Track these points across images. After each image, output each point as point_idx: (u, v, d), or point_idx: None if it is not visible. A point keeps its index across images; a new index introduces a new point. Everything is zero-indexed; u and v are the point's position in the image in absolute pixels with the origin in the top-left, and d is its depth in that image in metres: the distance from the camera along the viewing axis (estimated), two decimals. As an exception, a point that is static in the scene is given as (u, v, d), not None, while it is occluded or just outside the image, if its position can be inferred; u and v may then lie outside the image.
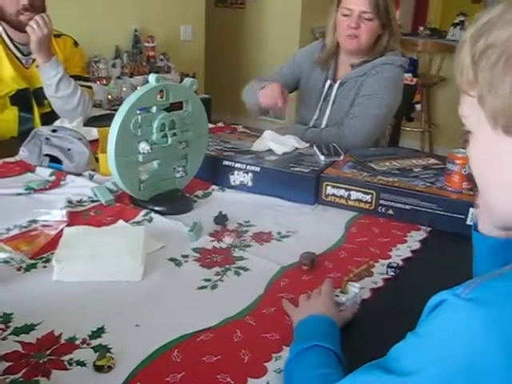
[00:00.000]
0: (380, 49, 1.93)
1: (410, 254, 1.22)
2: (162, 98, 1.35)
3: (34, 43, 1.94)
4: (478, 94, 0.64)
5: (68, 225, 1.26)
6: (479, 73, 0.63)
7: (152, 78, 1.32)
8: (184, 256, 1.17)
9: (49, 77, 2.01)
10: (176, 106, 1.39)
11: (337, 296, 1.01)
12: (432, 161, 1.58)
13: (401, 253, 1.23)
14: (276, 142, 1.63)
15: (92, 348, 0.86)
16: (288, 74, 2.10)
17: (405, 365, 0.58)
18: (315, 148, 1.64)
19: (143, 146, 1.32)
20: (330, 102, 2.00)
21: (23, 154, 1.66)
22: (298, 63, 2.11)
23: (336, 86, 1.98)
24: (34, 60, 2.06)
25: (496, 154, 0.65)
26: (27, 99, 2.07)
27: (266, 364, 0.85)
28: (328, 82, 2.00)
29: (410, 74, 4.56)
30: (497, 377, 0.52)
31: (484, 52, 0.62)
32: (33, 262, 1.11)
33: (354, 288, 1.04)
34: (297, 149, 1.64)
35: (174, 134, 1.37)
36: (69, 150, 1.62)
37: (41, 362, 0.83)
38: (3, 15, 1.97)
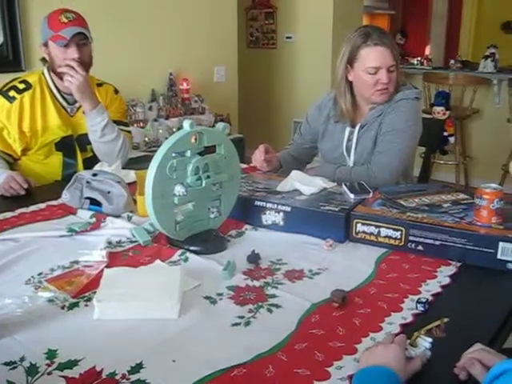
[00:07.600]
0: (396, 87, 1.99)
1: (439, 289, 1.23)
2: (195, 141, 1.41)
3: (74, 93, 2.06)
4: None
5: (108, 265, 1.33)
6: None
7: (186, 123, 1.39)
8: (219, 294, 1.22)
9: (94, 123, 2.11)
10: (209, 150, 1.46)
11: (405, 349, 0.95)
12: (461, 196, 1.60)
13: (430, 288, 1.24)
14: (303, 183, 1.67)
15: (131, 383, 0.91)
16: (306, 135, 2.24)
17: None
18: (344, 187, 1.67)
19: (178, 189, 1.38)
20: (353, 146, 2.05)
21: (65, 197, 1.75)
22: (311, 122, 2.21)
23: (356, 129, 2.03)
24: (78, 108, 2.18)
25: None
26: (71, 145, 2.19)
27: (297, 398, 0.88)
28: (348, 129, 2.05)
29: (442, 108, 4.59)
30: None
31: None
32: (75, 300, 1.17)
33: (424, 342, 1.00)
34: (325, 188, 1.68)
35: (208, 177, 1.43)
36: (108, 192, 1.70)
37: (84, 396, 0.88)
38: (53, 67, 2.09)
